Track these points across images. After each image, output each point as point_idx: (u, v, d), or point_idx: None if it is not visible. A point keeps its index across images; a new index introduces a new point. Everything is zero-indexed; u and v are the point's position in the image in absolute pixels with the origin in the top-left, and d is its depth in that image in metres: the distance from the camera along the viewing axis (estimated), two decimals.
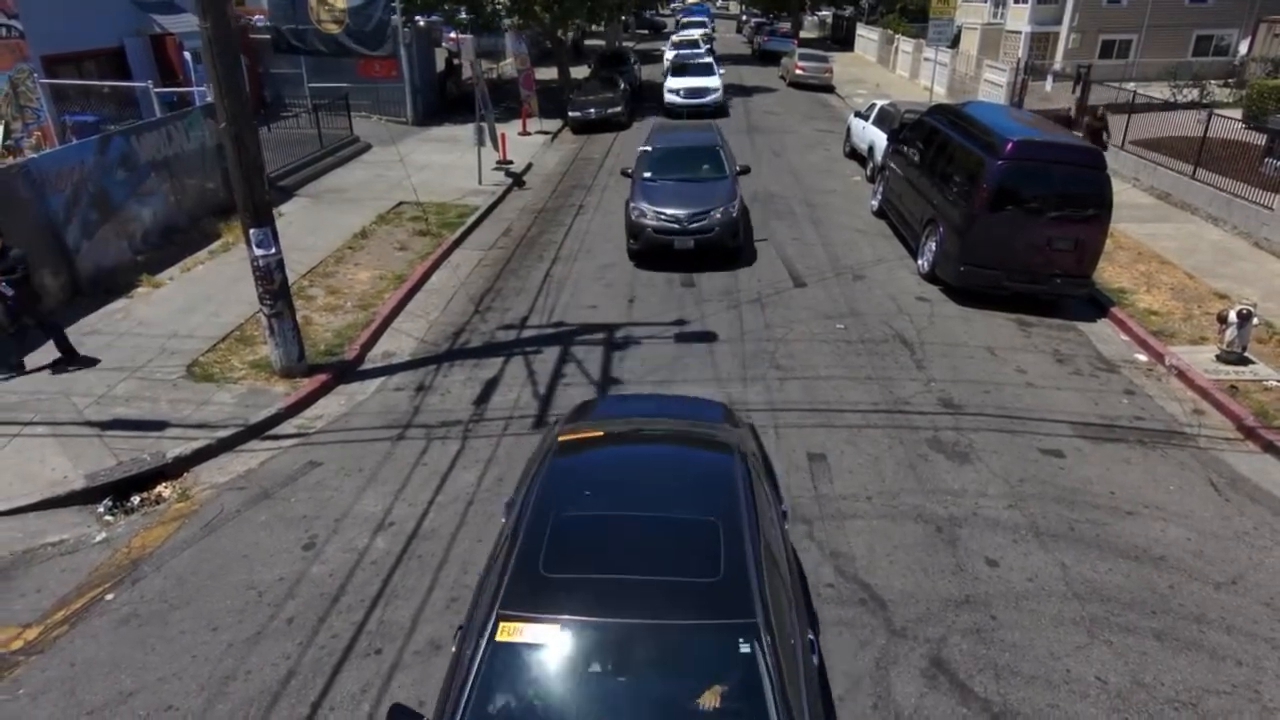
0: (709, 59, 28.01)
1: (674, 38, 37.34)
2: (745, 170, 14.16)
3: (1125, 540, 6.63)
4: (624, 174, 14.04)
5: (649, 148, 13.92)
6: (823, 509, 6.92)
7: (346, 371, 9.34)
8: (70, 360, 9.03)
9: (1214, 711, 5.06)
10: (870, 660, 5.39)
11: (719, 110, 25.34)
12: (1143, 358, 9.99)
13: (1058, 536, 6.65)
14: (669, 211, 12.34)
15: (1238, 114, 18.46)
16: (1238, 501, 7.23)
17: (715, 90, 25.55)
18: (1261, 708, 5.10)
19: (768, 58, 41.58)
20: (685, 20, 51.92)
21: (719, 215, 12.36)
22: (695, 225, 12.27)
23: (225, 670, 5.30)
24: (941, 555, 6.40)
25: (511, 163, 18.88)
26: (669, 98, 25.41)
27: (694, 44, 34.51)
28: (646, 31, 62.20)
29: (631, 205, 12.73)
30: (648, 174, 13.34)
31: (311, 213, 15.01)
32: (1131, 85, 19.97)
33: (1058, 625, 5.72)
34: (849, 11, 55.96)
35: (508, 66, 35.64)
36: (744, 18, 64.80)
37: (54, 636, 5.60)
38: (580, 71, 32.20)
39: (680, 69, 26.65)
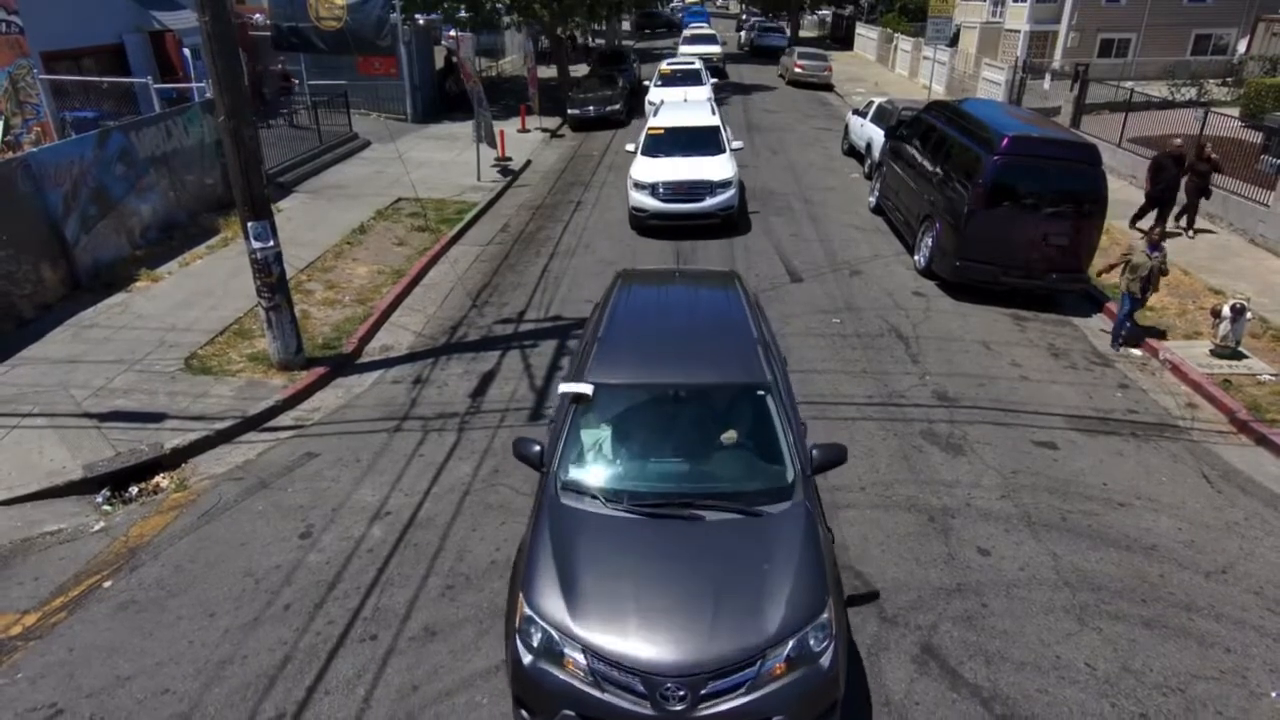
0: (711, 117, 15.43)
1: (663, 66, 24.59)
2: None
3: (1117, 530, 6.68)
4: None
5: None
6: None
7: (344, 365, 9.38)
8: None
9: (1202, 697, 5.11)
10: (862, 647, 5.43)
11: (730, 220, 13.83)
12: (1137, 352, 10.04)
13: (1050, 527, 6.70)
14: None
15: (1236, 112, 18.51)
16: (1229, 493, 7.28)
17: (724, 185, 13.56)
18: (1249, 693, 5.14)
19: (761, 53, 43.40)
20: (687, 30, 42.30)
21: None
22: None
23: (222, 655, 5.34)
24: (934, 544, 6.44)
25: (510, 160, 18.93)
26: (636, 199, 13.63)
27: (691, 77, 23.19)
28: (665, 30, 60.32)
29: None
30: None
31: (310, 208, 15.05)
32: (1130, 84, 20.00)
33: (1048, 613, 5.77)
34: (848, 10, 55.99)
35: (507, 64, 35.76)
36: (744, 17, 64.76)
37: (52, 623, 5.64)
38: (581, 71, 32.24)
39: (661, 140, 14.54)
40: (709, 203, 13.57)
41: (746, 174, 16.86)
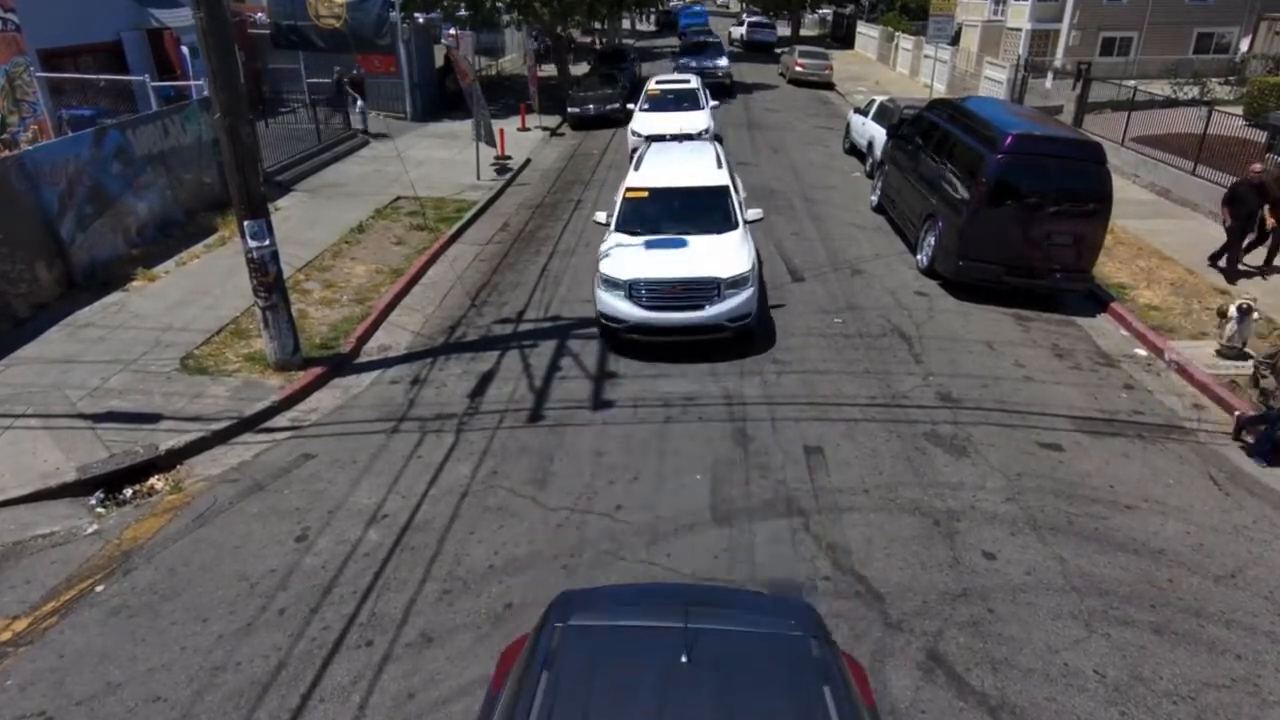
0: (717, 171, 11.06)
1: (650, 85, 20.55)
2: None
3: (1124, 534, 6.58)
4: None
5: None
6: (819, 501, 6.87)
7: (342, 365, 9.29)
8: None
9: (1213, 705, 5.01)
10: (866, 653, 5.33)
11: (746, 334, 9.69)
12: (1142, 352, 9.94)
13: (1056, 530, 6.60)
14: None
15: (1238, 111, 18.41)
16: (1237, 496, 7.18)
17: (737, 284, 9.34)
18: (1261, 701, 5.05)
19: (752, 47, 46.59)
20: (686, 32, 39.49)
21: None
22: None
23: (215, 661, 5.25)
24: (939, 548, 6.35)
25: (510, 158, 18.84)
26: (607, 302, 9.44)
27: (686, 100, 19.45)
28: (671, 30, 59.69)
29: None
30: None
31: (309, 207, 14.95)
32: (1132, 83, 19.90)
33: (1055, 618, 5.67)
34: (849, 9, 55.85)
35: (507, 63, 35.65)
36: (744, 16, 64.63)
37: (43, 628, 5.55)
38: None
39: (644, 210, 10.46)
40: (713, 311, 9.13)
41: (747, 172, 16.63)
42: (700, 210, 10.27)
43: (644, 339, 9.40)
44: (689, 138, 16.03)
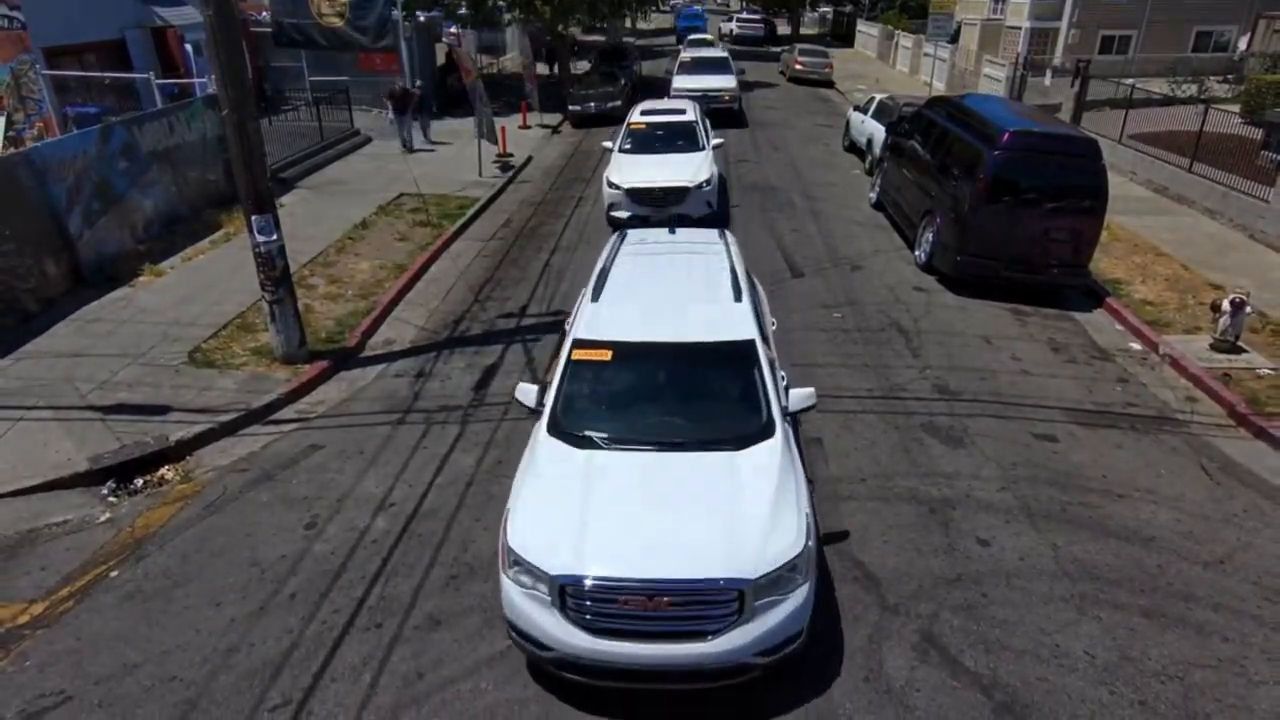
0: (731, 299, 6.49)
1: (633, 118, 15.40)
2: None
3: (1116, 522, 6.72)
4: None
5: None
6: (819, 490, 7.00)
7: (347, 358, 9.42)
8: None
9: (1200, 684, 5.15)
10: (863, 635, 5.47)
11: (794, 663, 5.13)
12: (1137, 346, 10.07)
13: (1049, 518, 6.74)
14: None
15: (1236, 109, 18.53)
16: (1228, 485, 7.32)
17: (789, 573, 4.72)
18: (1247, 681, 5.19)
19: (741, 41, 49.21)
20: (684, 49, 29.82)
21: None
22: None
23: (229, 643, 5.38)
24: (934, 535, 6.48)
25: (512, 156, 18.95)
26: (510, 592, 4.84)
27: (680, 137, 14.58)
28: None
29: None
30: None
31: (312, 204, 15.08)
32: (1130, 81, 20.00)
33: (1048, 602, 5.81)
34: (849, 8, 55.93)
35: (508, 61, 35.75)
36: (759, 20, 64.72)
37: (60, 612, 5.68)
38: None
39: (596, 408, 5.86)
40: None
41: (748, 169, 16.72)
42: (707, 400, 5.93)
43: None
44: (683, 193, 12.87)
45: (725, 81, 23.61)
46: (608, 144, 14.08)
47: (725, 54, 25.17)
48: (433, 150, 19.78)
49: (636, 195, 13.06)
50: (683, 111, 15.47)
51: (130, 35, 18.33)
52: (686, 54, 25.30)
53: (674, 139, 14.43)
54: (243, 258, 10.98)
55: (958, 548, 6.35)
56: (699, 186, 13.15)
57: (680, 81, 23.38)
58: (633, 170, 13.47)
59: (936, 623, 5.59)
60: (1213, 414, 8.55)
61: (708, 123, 15.44)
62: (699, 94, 21.35)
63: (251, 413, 8.16)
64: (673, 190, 13.01)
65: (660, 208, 12.95)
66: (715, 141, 14.65)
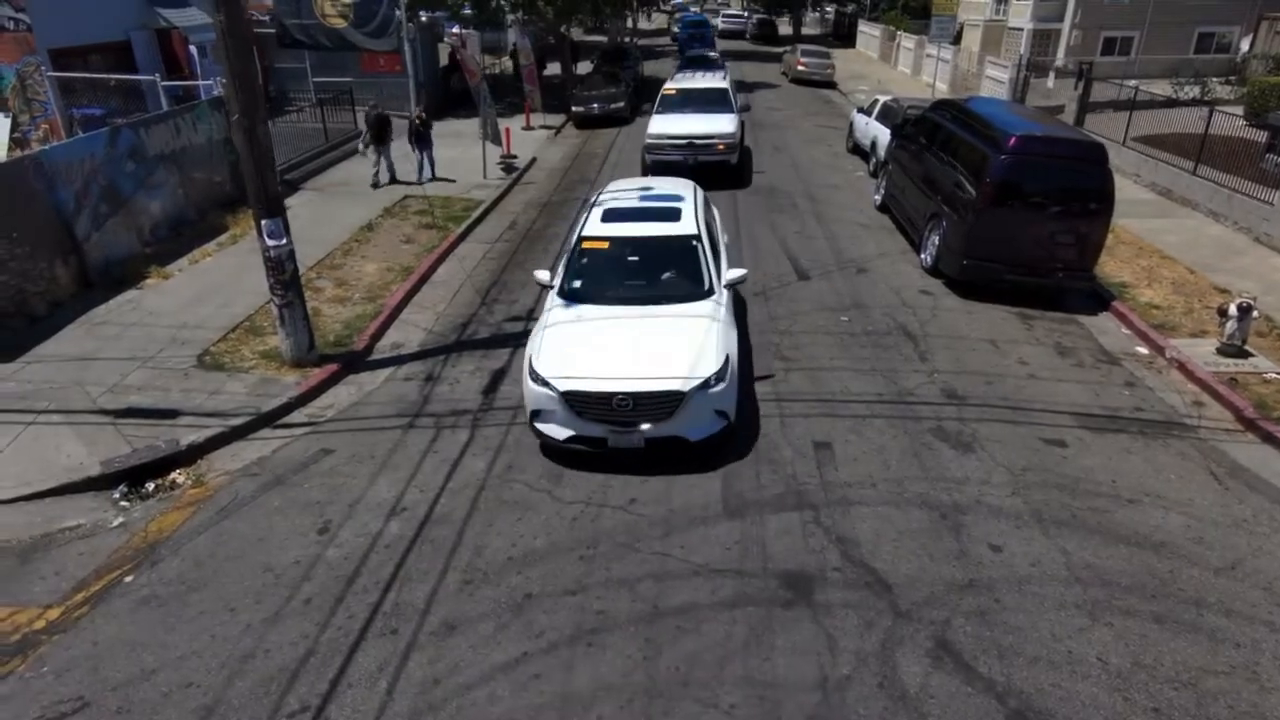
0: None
1: (606, 201, 9.75)
2: None
3: (1126, 527, 6.74)
4: None
5: None
6: (828, 495, 7.03)
7: (356, 361, 9.44)
8: None
9: (1212, 691, 5.17)
10: (876, 641, 5.49)
11: None
12: (1143, 350, 10.09)
13: (1060, 523, 6.76)
14: None
15: (1239, 111, 18.55)
16: (1237, 490, 7.34)
17: None
18: (1259, 687, 5.21)
19: (728, 35, 54.69)
20: (678, 77, 22.27)
21: None
22: None
23: (245, 649, 5.40)
24: (946, 541, 6.50)
25: (516, 157, 18.97)
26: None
27: (661, 212, 9.34)
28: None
29: None
30: None
31: (318, 206, 15.10)
32: (1133, 82, 20.04)
33: (1060, 608, 5.83)
34: (850, 8, 55.96)
35: (509, 61, 35.72)
36: (745, 15, 64.86)
37: (75, 617, 5.70)
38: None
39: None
40: None
41: (750, 171, 16.74)
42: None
43: None
44: (657, 399, 7.31)
45: (721, 124, 16.73)
46: (540, 274, 8.73)
47: (725, 83, 18.39)
48: (452, 183, 16.82)
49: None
50: (678, 198, 9.82)
51: (135, 37, 18.35)
52: (671, 85, 18.71)
53: (657, 209, 9.58)
54: (249, 260, 11.01)
55: (969, 553, 6.37)
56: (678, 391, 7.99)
57: (659, 125, 16.82)
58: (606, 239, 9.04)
59: (950, 629, 5.61)
60: (1221, 418, 8.57)
61: (698, 198, 10.02)
62: (683, 143, 16.28)
63: (262, 416, 8.18)
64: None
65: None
66: (730, 276, 8.67)
